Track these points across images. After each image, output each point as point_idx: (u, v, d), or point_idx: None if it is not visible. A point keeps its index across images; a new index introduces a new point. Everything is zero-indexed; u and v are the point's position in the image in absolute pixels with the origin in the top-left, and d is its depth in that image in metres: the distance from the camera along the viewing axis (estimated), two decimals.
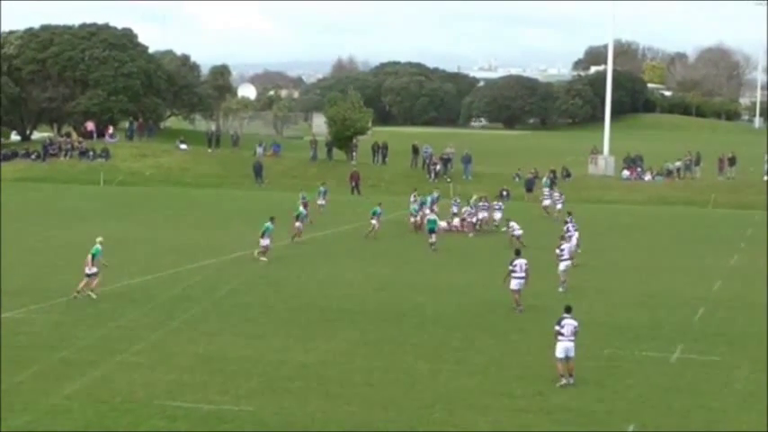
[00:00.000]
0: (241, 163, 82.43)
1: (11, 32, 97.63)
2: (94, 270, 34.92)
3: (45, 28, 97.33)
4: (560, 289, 37.18)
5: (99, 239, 35.88)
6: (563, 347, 24.87)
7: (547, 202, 62.19)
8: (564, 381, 24.71)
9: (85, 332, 29.71)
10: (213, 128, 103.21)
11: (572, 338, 25.02)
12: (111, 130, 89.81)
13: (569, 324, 25.13)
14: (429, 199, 55.97)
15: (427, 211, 51.93)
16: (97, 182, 77.76)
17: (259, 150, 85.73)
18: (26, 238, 49.01)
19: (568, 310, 25.66)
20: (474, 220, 53.89)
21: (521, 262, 33.51)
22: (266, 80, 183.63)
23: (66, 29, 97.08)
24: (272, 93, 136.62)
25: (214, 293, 36.14)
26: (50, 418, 21.91)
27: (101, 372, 25.45)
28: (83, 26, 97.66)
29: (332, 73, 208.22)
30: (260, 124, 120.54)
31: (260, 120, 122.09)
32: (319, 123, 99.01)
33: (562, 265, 37.89)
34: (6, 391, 23.66)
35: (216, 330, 30.41)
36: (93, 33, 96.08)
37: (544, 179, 69.45)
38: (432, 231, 47.28)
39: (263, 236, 42.66)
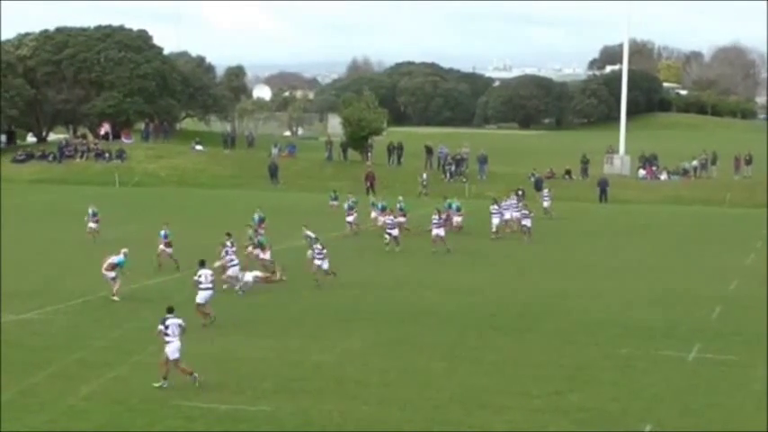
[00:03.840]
0: (256, 164, 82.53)
1: (26, 34, 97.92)
2: (113, 275, 34.99)
3: (60, 30, 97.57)
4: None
5: (124, 251, 35.83)
6: (174, 348, 24.30)
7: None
8: (164, 382, 24.13)
9: (102, 333, 29.80)
10: (228, 129, 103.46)
11: (179, 338, 24.52)
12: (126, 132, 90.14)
13: (174, 324, 24.59)
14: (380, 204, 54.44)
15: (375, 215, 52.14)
16: (113, 183, 78.00)
17: (274, 151, 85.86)
18: (42, 240, 49.16)
19: (171, 310, 25.00)
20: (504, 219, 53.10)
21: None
22: (281, 81, 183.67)
23: (82, 30, 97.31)
24: (287, 94, 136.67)
25: (229, 294, 36.16)
26: (67, 419, 21.98)
27: (117, 372, 25.51)
28: (98, 28, 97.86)
29: (347, 73, 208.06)
30: (275, 125, 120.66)
31: (275, 121, 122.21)
32: (334, 124, 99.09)
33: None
34: (24, 391, 23.76)
35: (231, 331, 30.45)
36: (109, 35, 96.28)
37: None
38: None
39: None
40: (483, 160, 79.27)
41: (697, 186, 75.99)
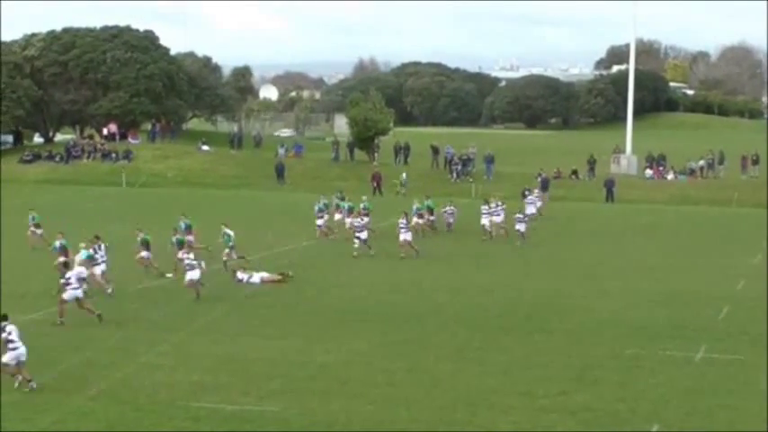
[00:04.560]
0: (263, 164, 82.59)
1: (33, 35, 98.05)
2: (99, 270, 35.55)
3: (67, 30, 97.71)
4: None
5: (82, 245, 36.32)
6: (16, 354, 23.90)
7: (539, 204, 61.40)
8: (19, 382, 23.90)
9: (108, 333, 29.83)
10: (235, 129, 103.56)
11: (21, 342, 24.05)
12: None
13: (13, 329, 24.10)
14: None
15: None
16: (120, 183, 78.11)
17: (281, 151, 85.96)
18: (49, 240, 49.11)
19: (5, 317, 24.29)
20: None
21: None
22: (288, 81, 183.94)
23: (88, 31, 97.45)
24: (293, 94, 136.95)
25: (236, 294, 36.24)
26: (75, 419, 22.01)
27: (124, 373, 25.54)
28: (104, 28, 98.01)
29: (353, 74, 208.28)
30: (281, 125, 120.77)
31: (281, 120, 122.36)
32: (341, 124, 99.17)
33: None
34: (31, 392, 23.79)
35: (238, 331, 30.49)
36: (115, 35, 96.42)
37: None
38: None
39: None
40: (490, 160, 79.25)
41: (704, 186, 75.90)
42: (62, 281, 31.57)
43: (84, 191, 74.03)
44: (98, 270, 36.50)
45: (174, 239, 40.35)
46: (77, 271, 32.74)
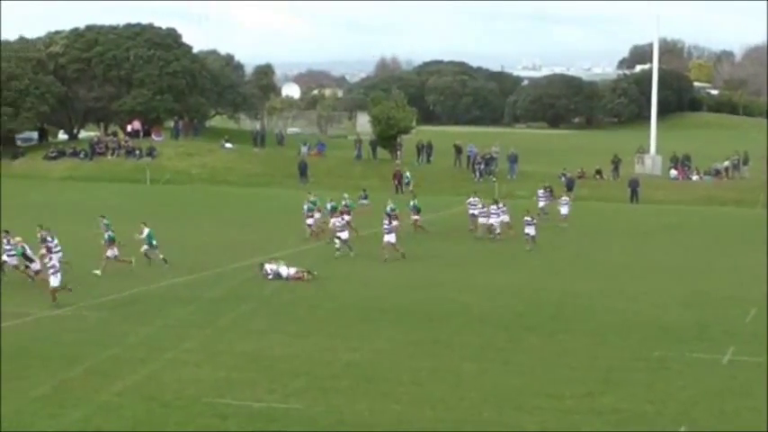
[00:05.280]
0: (286, 162, 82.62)
1: (57, 32, 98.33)
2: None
3: (90, 28, 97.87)
4: None
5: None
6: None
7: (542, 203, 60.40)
8: None
9: (134, 330, 29.91)
10: (258, 127, 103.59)
11: None
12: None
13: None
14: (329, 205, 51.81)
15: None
16: (143, 181, 78.31)
17: (304, 149, 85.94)
18: (72, 237, 49.25)
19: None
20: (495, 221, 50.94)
21: None
22: (310, 79, 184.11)
23: (112, 29, 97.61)
24: (316, 92, 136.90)
25: (260, 292, 36.28)
26: (102, 415, 22.07)
27: (150, 369, 25.61)
28: (127, 26, 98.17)
29: (375, 72, 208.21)
30: (304, 123, 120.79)
31: (304, 119, 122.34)
32: (363, 122, 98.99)
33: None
34: (59, 387, 23.93)
35: (263, 329, 30.51)
36: (138, 33, 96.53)
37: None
38: None
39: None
40: (513, 159, 79.03)
41: (729, 187, 75.45)
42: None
43: (108, 188, 74.22)
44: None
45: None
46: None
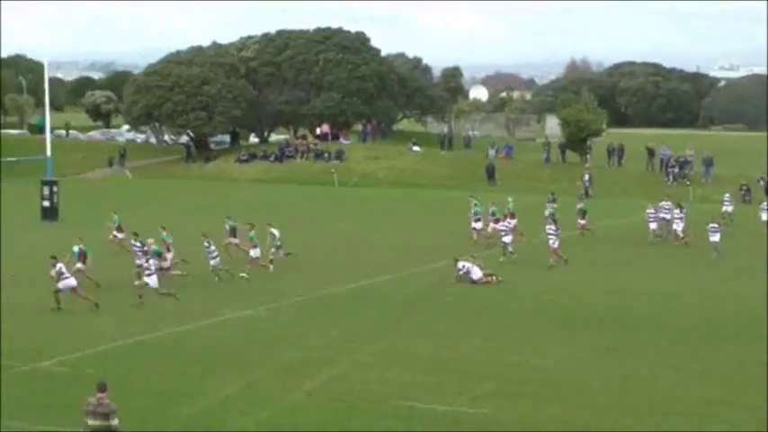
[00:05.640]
0: (473, 165, 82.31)
1: (249, 37, 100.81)
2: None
3: (281, 33, 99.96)
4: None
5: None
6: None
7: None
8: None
9: (321, 331, 30.09)
10: (445, 130, 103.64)
11: None
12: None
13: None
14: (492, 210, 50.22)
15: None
16: (332, 183, 79.28)
17: (491, 152, 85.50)
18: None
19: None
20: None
21: None
22: (498, 82, 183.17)
23: (302, 33, 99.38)
24: (503, 94, 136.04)
25: (447, 295, 36.02)
26: (289, 415, 22.19)
27: (337, 370, 25.66)
28: (317, 30, 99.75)
29: (565, 74, 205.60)
30: (492, 126, 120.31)
31: (492, 122, 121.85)
32: (552, 125, 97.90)
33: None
34: (248, 386, 24.20)
35: (449, 332, 30.25)
36: (327, 37, 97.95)
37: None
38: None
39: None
40: (708, 163, 76.51)
41: None
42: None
43: (298, 190, 75.48)
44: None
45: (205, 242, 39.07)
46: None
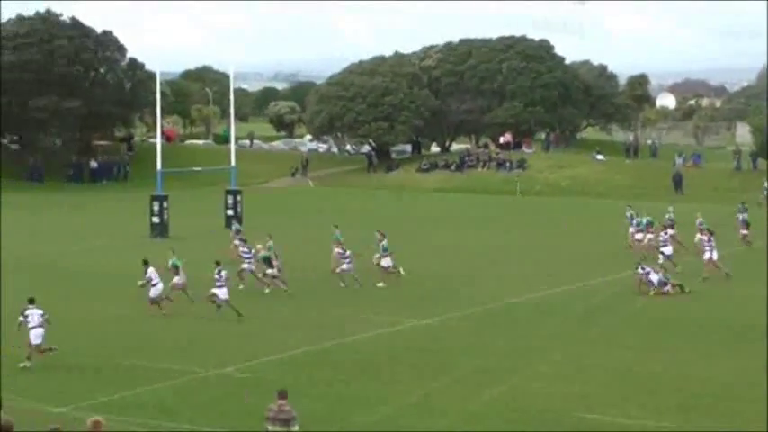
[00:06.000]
0: (659, 174, 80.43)
1: (431, 47, 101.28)
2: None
3: (463, 42, 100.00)
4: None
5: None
6: (36, 334, 26.33)
7: None
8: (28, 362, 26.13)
9: (502, 341, 29.78)
10: (631, 138, 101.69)
11: (41, 326, 26.52)
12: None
13: (34, 313, 26.56)
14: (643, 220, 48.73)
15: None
16: (513, 192, 78.69)
17: (678, 161, 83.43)
18: (440, 247, 50.09)
19: (32, 301, 26.95)
20: None
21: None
22: (686, 89, 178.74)
23: (484, 42, 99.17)
24: (692, 102, 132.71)
25: (630, 306, 35.19)
26: (468, 424, 21.96)
27: (517, 380, 25.31)
28: (500, 39, 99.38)
29: (757, 80, 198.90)
30: (679, 134, 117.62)
31: (679, 130, 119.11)
32: (743, 133, 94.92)
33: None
34: (426, 395, 24.07)
35: (632, 344, 29.51)
36: (511, 46, 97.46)
37: None
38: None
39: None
40: None
41: None
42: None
43: (478, 199, 75.23)
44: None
45: (259, 256, 38.07)
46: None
